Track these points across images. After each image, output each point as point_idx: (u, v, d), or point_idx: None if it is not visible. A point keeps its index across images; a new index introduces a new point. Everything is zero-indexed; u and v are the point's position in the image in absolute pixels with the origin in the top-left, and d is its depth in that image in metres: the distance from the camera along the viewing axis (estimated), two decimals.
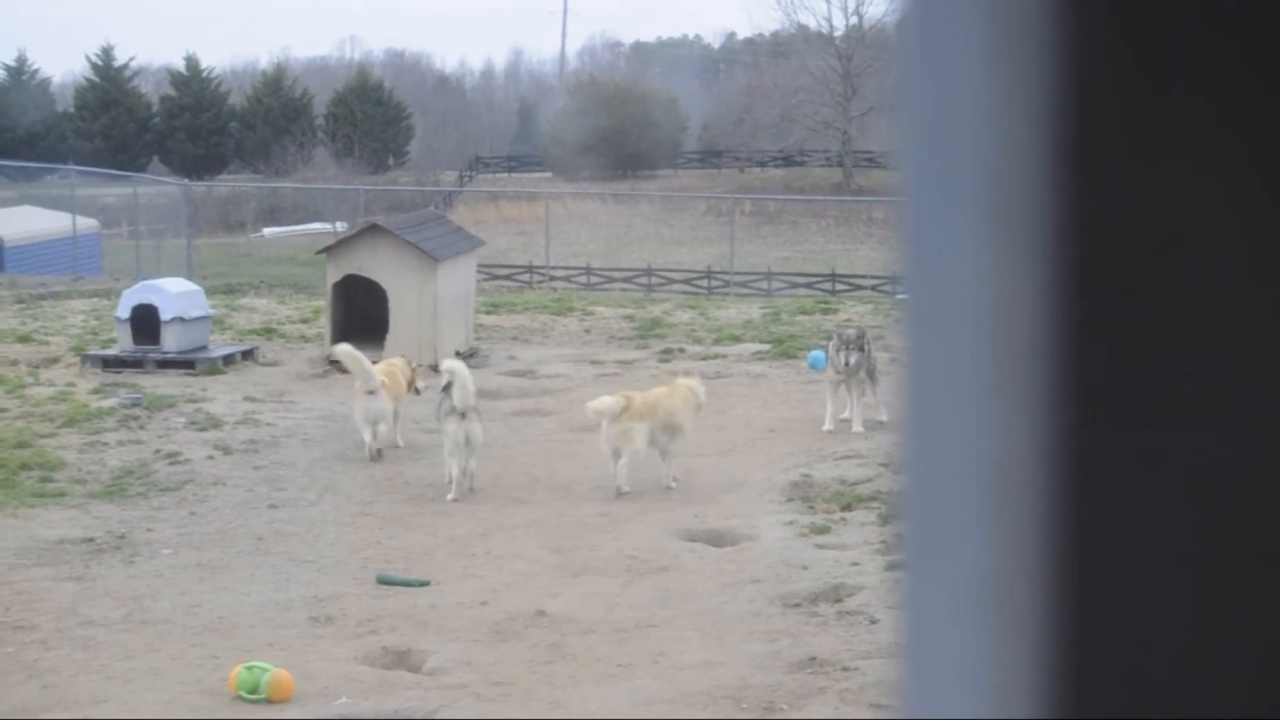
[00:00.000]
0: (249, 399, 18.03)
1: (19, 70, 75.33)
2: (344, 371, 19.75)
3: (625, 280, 38.12)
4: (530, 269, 38.15)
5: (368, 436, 15.33)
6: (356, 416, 15.58)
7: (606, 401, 14.21)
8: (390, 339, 19.91)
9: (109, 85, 73.59)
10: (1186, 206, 0.83)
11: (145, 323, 19.93)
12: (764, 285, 36.69)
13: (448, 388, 14.08)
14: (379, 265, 20.06)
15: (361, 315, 20.40)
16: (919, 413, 0.88)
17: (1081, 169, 0.82)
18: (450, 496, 13.87)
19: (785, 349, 21.75)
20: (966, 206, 0.83)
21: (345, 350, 16.05)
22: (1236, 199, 0.83)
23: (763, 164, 71.70)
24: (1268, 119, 0.82)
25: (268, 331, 23.16)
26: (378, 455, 15.29)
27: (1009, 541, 0.84)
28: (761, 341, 22.70)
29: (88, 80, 74.70)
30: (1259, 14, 0.81)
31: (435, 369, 19.73)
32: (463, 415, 13.85)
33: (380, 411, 15.37)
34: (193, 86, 74.62)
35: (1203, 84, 0.82)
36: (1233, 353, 0.83)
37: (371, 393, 15.40)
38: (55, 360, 20.54)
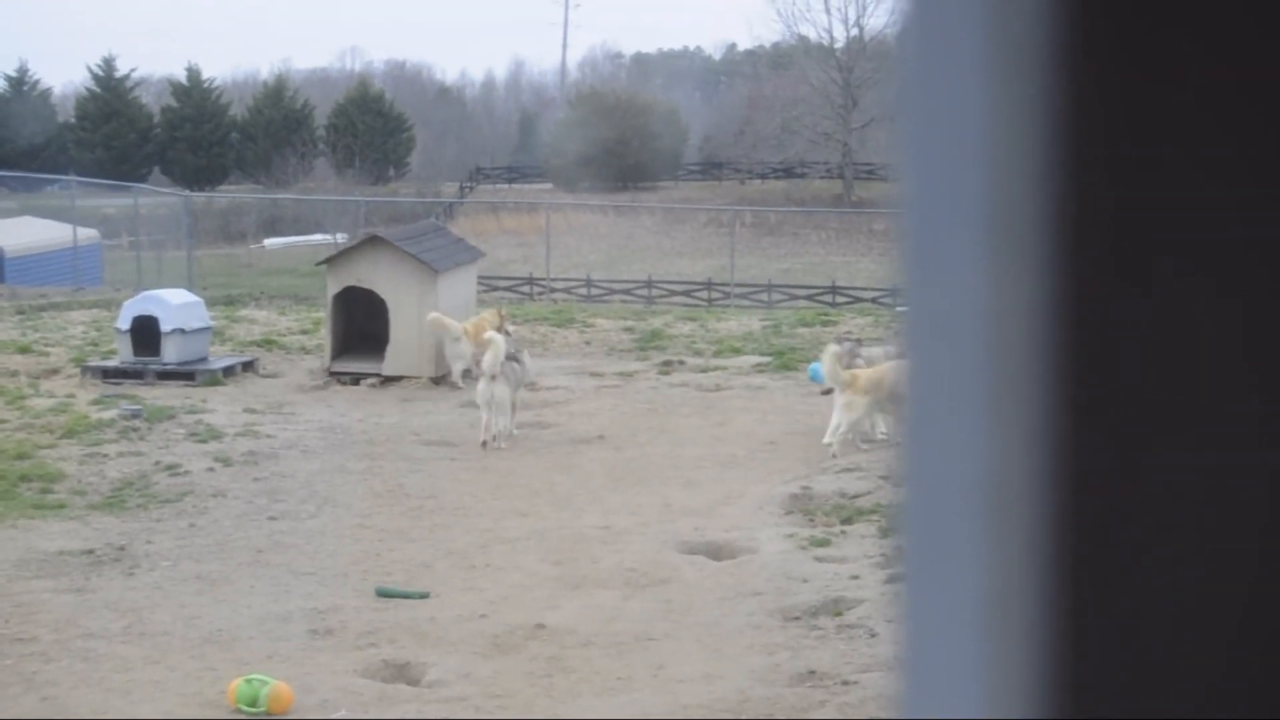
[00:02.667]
0: (249, 410, 18.03)
1: (20, 81, 75.40)
2: (343, 383, 19.82)
3: (625, 292, 38.16)
4: (530, 280, 38.18)
5: (457, 373, 19.63)
6: (449, 356, 19.70)
7: (841, 372, 16.03)
8: (390, 350, 19.93)
9: (110, 96, 73.66)
10: (1186, 220, 0.83)
11: (145, 334, 19.93)
12: (764, 297, 36.73)
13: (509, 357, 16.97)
14: (379, 277, 20.06)
15: (362, 327, 20.41)
16: (918, 426, 0.87)
17: (1080, 182, 0.82)
18: (481, 439, 16.43)
19: (785, 361, 21.75)
20: (965, 220, 0.83)
21: (433, 317, 19.60)
22: (1237, 213, 0.83)
23: (763, 176, 71.72)
24: (1270, 130, 0.82)
25: (268, 343, 23.16)
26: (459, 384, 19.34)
27: (1008, 555, 0.84)
28: (762, 354, 22.70)
29: (89, 91, 74.76)
30: (1260, 28, 0.81)
31: (435, 381, 19.78)
32: (492, 378, 16.39)
33: (462, 353, 19.37)
34: (194, 97, 74.74)
35: (1203, 98, 0.82)
36: (1233, 365, 0.83)
37: (456, 340, 19.47)
38: (55, 371, 20.55)
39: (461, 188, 70.93)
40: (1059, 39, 0.81)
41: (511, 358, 17.07)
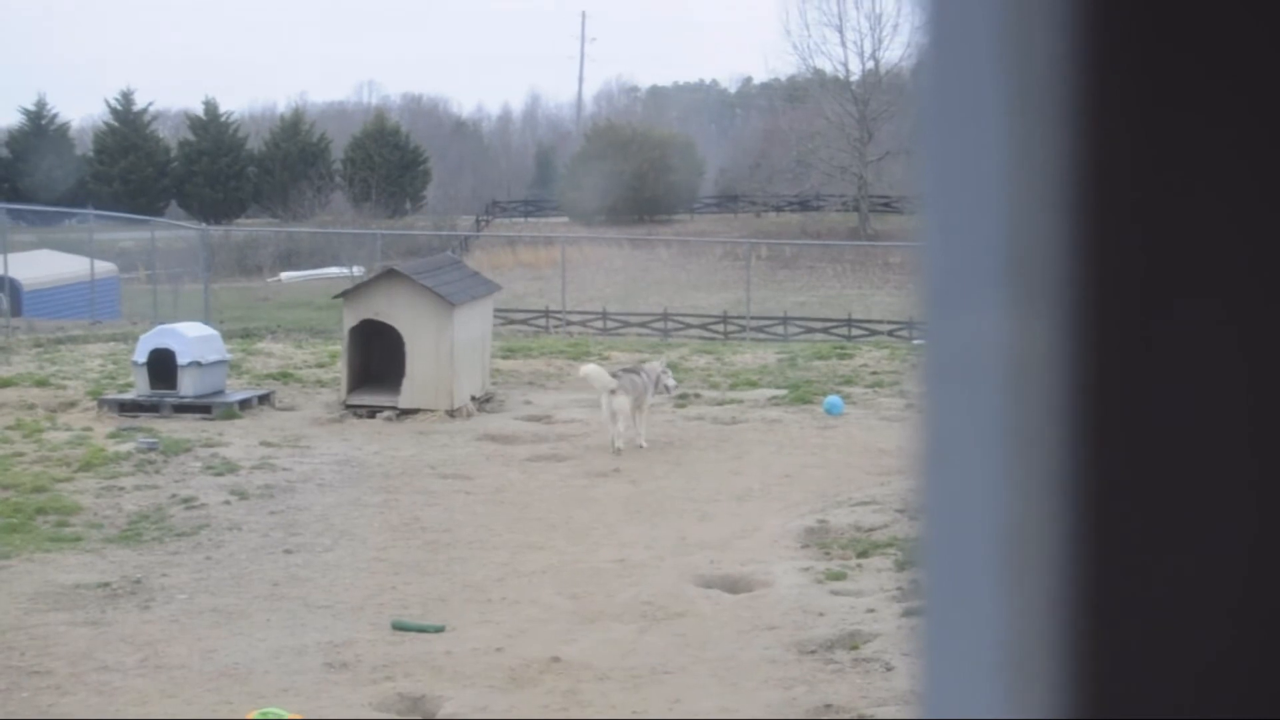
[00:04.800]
0: (265, 444, 18.05)
1: (38, 115, 75.73)
2: (360, 416, 19.83)
3: (641, 325, 38.22)
4: (547, 313, 38.23)
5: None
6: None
7: None
8: (407, 383, 19.94)
9: (128, 129, 74.01)
10: (1212, 259, 0.82)
11: (162, 367, 19.97)
12: (780, 330, 36.75)
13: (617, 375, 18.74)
14: (396, 310, 20.09)
15: (378, 360, 20.43)
16: (935, 462, 0.87)
17: (1103, 218, 0.82)
18: (617, 446, 18.05)
19: (801, 394, 21.73)
20: (985, 256, 0.83)
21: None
22: (1267, 252, 0.82)
23: (779, 208, 71.84)
24: None
25: (284, 376, 23.20)
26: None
27: (1027, 592, 0.84)
28: (777, 387, 22.69)
29: (107, 124, 75.13)
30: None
31: (451, 414, 19.79)
32: (612, 392, 18.17)
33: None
34: (211, 131, 75.07)
35: (1232, 134, 0.82)
36: (1261, 408, 0.83)
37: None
38: (72, 404, 20.58)
39: (478, 221, 71.12)
40: (1080, 73, 0.81)
41: (630, 370, 19.07)
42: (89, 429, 18.70)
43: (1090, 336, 0.82)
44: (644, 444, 18.39)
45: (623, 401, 18.26)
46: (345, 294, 21.01)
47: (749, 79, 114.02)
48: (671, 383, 19.69)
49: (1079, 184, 0.81)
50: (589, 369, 19.26)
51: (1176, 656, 0.84)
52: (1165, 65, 0.81)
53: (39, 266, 39.76)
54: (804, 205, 70.74)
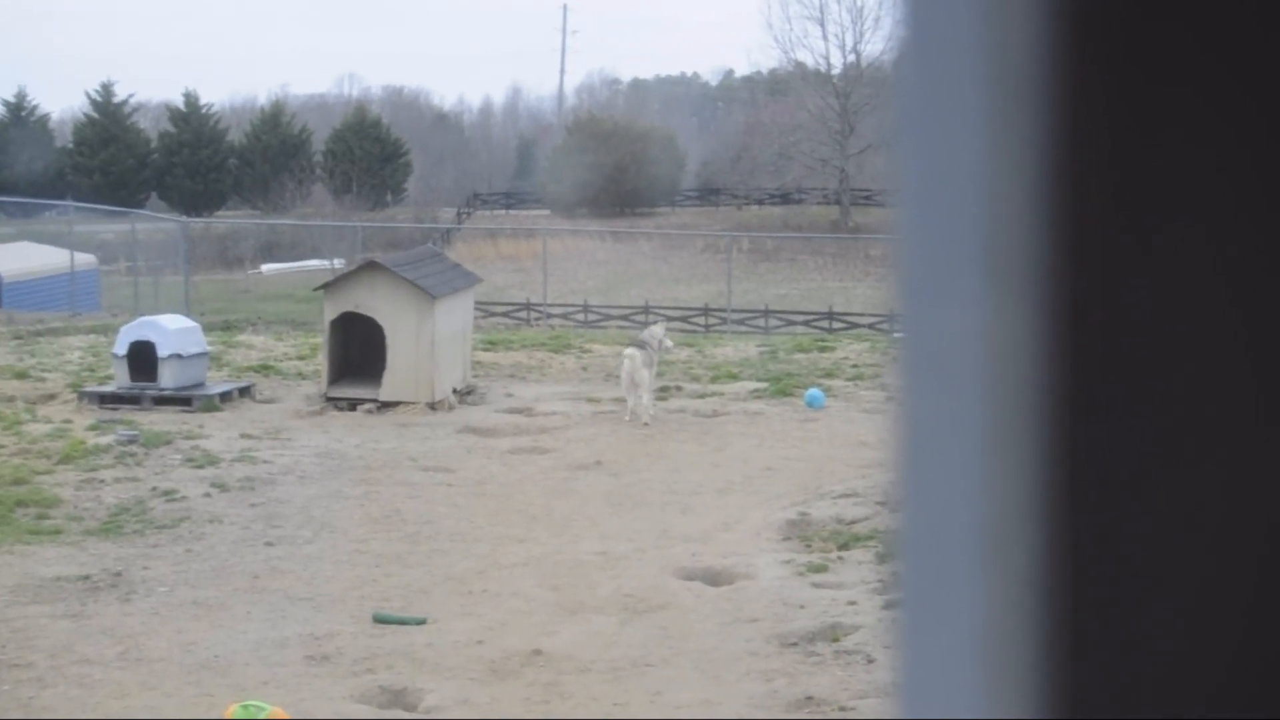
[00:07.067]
0: (246, 436, 18.01)
1: (18, 106, 75.48)
2: (340, 409, 19.79)
3: (623, 318, 38.22)
4: (528, 306, 38.22)
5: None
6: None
7: None
8: (388, 376, 19.91)
9: (108, 121, 73.75)
10: (1191, 254, 0.83)
11: (143, 359, 19.92)
12: (761, 323, 36.77)
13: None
14: (377, 302, 20.06)
15: (359, 352, 20.40)
16: (913, 454, 0.87)
17: (1080, 211, 0.82)
18: (626, 418, 19.38)
19: (782, 387, 21.74)
20: (962, 248, 0.83)
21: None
22: (1247, 248, 0.82)
23: (760, 201, 71.87)
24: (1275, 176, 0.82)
25: (265, 368, 23.15)
26: None
27: (1005, 584, 0.84)
28: (759, 380, 22.69)
29: (87, 116, 74.87)
30: (1267, 78, 0.81)
31: (432, 406, 19.77)
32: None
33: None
34: (192, 123, 74.84)
35: (1201, 134, 0.82)
36: (1238, 402, 0.83)
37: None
38: (52, 397, 20.53)
39: (459, 213, 71.03)
40: (1060, 66, 0.81)
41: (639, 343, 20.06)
42: (69, 421, 18.65)
43: (1069, 329, 0.82)
44: (653, 414, 19.40)
45: (644, 374, 19.29)
46: (326, 286, 20.96)
47: (730, 72, 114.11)
48: (669, 344, 20.99)
49: (1058, 175, 0.82)
50: (656, 331, 20.64)
51: (1155, 650, 0.85)
52: (1145, 54, 0.81)
53: (18, 258, 39.67)
54: (785, 198, 70.81)
